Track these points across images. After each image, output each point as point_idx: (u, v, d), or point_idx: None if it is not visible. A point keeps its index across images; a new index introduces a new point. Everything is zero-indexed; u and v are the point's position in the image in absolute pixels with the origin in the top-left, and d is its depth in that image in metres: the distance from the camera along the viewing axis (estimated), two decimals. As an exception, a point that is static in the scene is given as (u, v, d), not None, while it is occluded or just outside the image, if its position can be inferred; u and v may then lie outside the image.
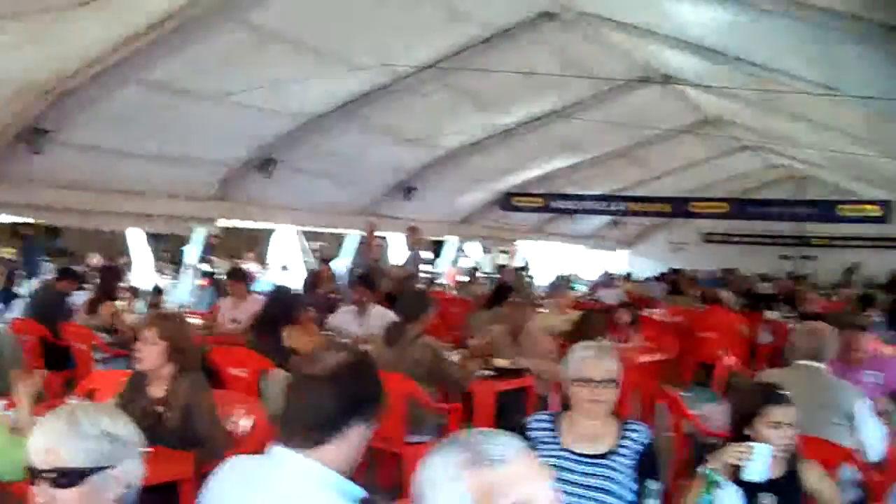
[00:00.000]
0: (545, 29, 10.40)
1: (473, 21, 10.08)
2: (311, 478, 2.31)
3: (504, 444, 1.80)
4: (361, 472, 2.59)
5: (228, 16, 8.15)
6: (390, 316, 7.87)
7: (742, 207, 19.29)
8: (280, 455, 2.38)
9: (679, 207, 19.30)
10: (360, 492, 2.31)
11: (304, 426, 2.39)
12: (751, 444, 3.64)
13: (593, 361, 3.81)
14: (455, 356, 7.29)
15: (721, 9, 8.22)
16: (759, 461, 3.60)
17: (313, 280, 12.04)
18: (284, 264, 18.22)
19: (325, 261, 16.45)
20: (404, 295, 7.90)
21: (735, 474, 3.63)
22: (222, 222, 12.99)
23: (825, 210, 18.21)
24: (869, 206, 17.29)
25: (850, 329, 6.38)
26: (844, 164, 16.74)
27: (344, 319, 9.29)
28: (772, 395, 3.85)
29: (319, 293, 11.44)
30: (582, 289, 18.76)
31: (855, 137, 12.60)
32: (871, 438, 5.07)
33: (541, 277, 20.16)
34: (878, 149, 12.81)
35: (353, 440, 2.44)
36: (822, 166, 18.80)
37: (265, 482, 2.37)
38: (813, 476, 3.82)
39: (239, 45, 8.75)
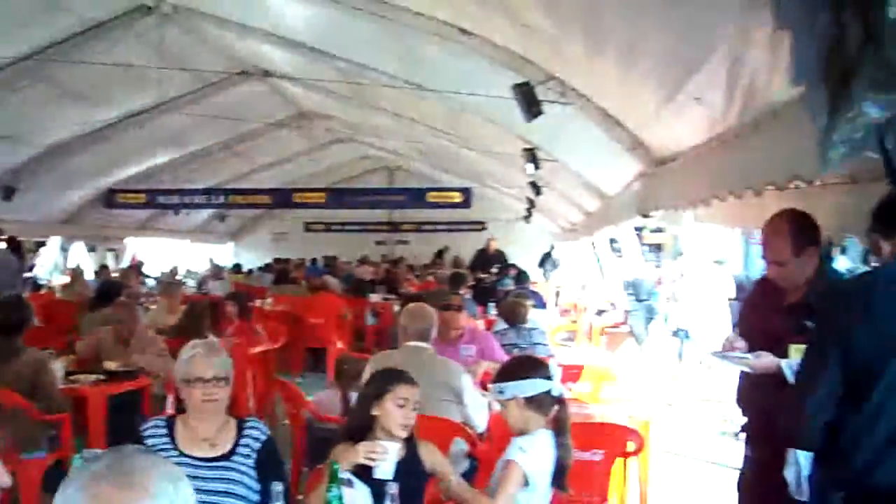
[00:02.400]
0: (143, 22, 10.06)
1: (71, 12, 9.52)
2: None
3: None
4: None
5: None
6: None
7: (339, 197, 20.07)
8: None
9: (281, 198, 19.66)
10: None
11: None
12: (383, 443, 3.66)
13: (203, 360, 3.70)
14: (59, 363, 6.80)
15: (315, 6, 8.45)
16: (389, 459, 3.62)
17: None
18: None
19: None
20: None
21: (363, 469, 3.61)
22: None
23: (415, 198, 19.48)
24: (453, 194, 18.78)
25: (446, 308, 6.80)
26: (430, 155, 17.96)
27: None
28: (401, 374, 3.91)
29: None
30: (191, 283, 18.44)
31: (438, 130, 13.49)
32: (476, 410, 5.44)
33: (152, 273, 19.59)
34: (458, 140, 13.82)
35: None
36: (411, 157, 19.98)
37: None
38: (430, 454, 3.88)
39: None
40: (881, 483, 2.63)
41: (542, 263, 20.80)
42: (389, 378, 3.89)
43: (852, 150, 2.89)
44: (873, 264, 3.34)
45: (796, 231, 3.77)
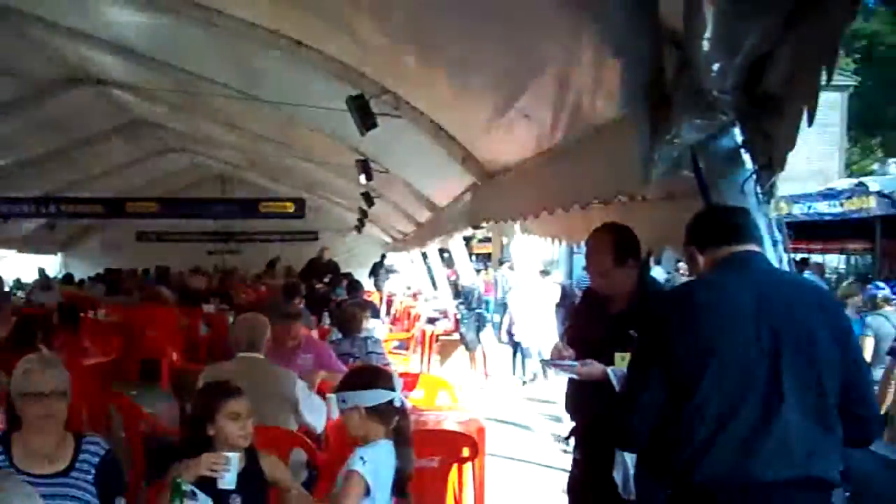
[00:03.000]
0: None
1: None
2: None
3: None
4: None
5: None
6: None
7: (172, 206, 19.60)
8: None
9: (112, 208, 18.90)
10: None
11: None
12: (226, 454, 3.63)
13: (40, 374, 3.57)
14: None
15: (147, 14, 8.20)
16: (233, 470, 3.61)
17: None
18: None
19: None
20: None
21: (206, 481, 3.59)
22: None
23: (248, 208, 19.23)
24: (286, 204, 18.63)
25: (284, 318, 6.75)
26: (264, 165, 17.73)
27: None
28: (227, 389, 3.87)
29: None
30: (21, 294, 17.57)
31: (272, 140, 13.36)
32: (312, 415, 5.45)
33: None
34: (292, 151, 13.72)
35: None
36: (245, 167, 19.67)
37: None
38: (270, 465, 3.88)
39: None
40: (700, 482, 2.78)
41: (373, 273, 20.88)
42: (216, 395, 3.85)
43: (670, 168, 3.08)
44: (683, 275, 3.54)
45: (618, 244, 3.94)
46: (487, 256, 28.89)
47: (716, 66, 2.06)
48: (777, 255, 3.31)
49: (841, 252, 19.81)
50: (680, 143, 2.82)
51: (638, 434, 2.94)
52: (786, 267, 3.42)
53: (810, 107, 2.12)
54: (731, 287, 2.88)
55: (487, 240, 27.23)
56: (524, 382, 13.11)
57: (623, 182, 3.72)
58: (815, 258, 19.56)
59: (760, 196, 3.15)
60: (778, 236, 3.32)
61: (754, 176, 3.09)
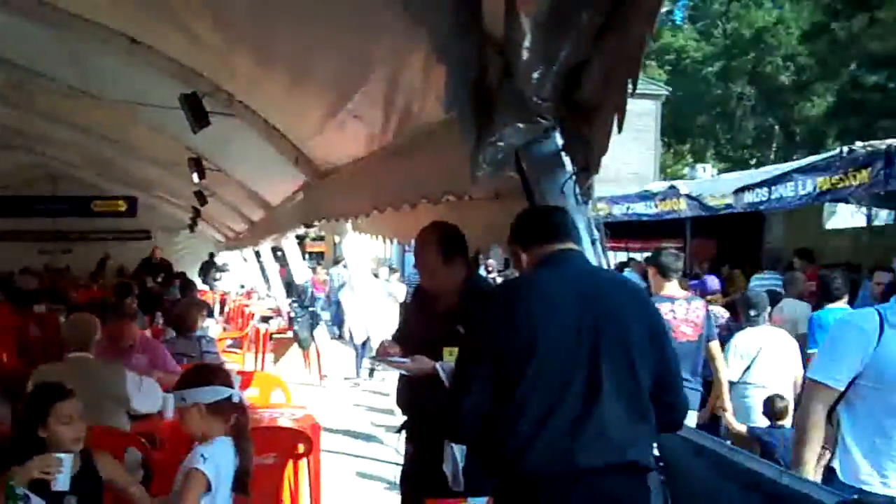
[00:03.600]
0: None
1: None
2: None
3: None
4: None
5: None
6: None
7: (1, 205, 18.49)
8: None
9: (-62, 207, 17.76)
10: None
11: None
12: (58, 456, 3.50)
13: None
14: None
15: (-26, 6, 7.74)
16: (66, 472, 3.49)
17: None
18: None
19: None
20: None
21: (39, 484, 3.45)
22: None
23: (80, 206, 18.40)
24: (118, 202, 17.95)
25: (116, 318, 6.55)
26: (97, 163, 17.02)
27: None
28: (58, 390, 3.73)
29: None
30: None
31: (105, 138, 12.84)
32: (146, 401, 5.46)
33: None
34: (125, 149, 13.24)
35: None
36: (77, 165, 18.82)
37: None
38: (105, 465, 3.79)
39: None
40: (526, 471, 2.84)
41: (202, 272, 20.44)
42: (47, 397, 3.71)
43: (496, 170, 3.14)
44: (513, 272, 3.62)
45: (445, 242, 3.97)
46: (321, 255, 28.76)
47: (535, 74, 2.11)
48: (596, 253, 3.43)
49: (657, 251, 20.60)
50: (504, 145, 2.88)
51: (467, 427, 2.98)
52: (604, 264, 3.55)
53: (620, 114, 2.21)
54: (552, 283, 2.96)
55: (321, 238, 27.08)
56: (359, 377, 13.12)
57: (450, 182, 3.77)
58: (635, 256, 20.44)
59: (579, 197, 3.25)
60: (596, 235, 3.44)
61: (573, 178, 3.19)
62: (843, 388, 3.79)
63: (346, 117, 5.49)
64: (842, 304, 7.09)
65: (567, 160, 3.21)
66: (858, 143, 9.66)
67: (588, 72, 2.04)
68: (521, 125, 2.61)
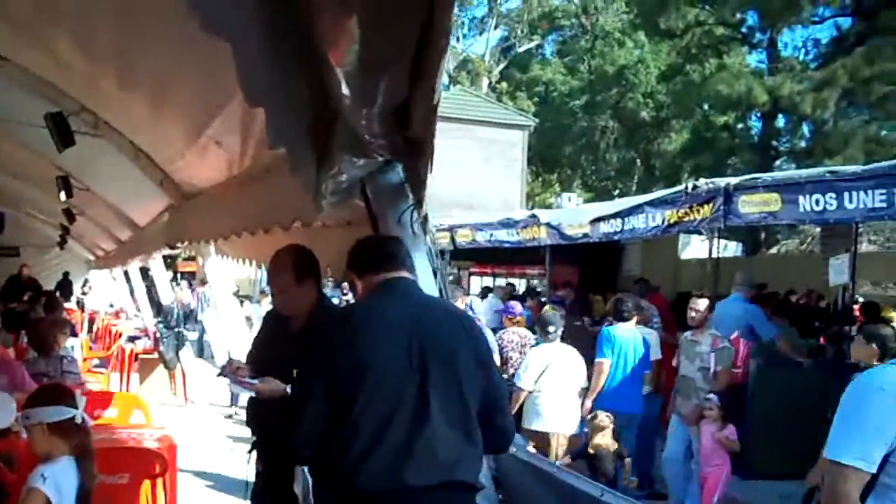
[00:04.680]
0: None
1: None
2: None
3: None
4: None
5: None
6: None
7: None
8: None
9: None
10: None
11: None
12: None
13: None
14: None
15: None
16: None
17: None
18: None
19: None
20: None
21: None
22: None
23: None
24: (-15, 218, 17.20)
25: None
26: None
27: None
28: None
29: None
30: None
31: None
32: None
33: None
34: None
35: None
36: None
37: None
38: None
39: None
40: (359, 489, 2.90)
41: (59, 291, 19.76)
42: None
43: (341, 199, 3.21)
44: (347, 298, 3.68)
45: (298, 264, 4.04)
46: (193, 275, 28.16)
47: (363, 114, 2.19)
48: (437, 282, 3.52)
49: (522, 276, 21.08)
50: (347, 176, 2.95)
51: (303, 447, 3.02)
52: (444, 291, 3.65)
53: (430, 155, 2.31)
54: (384, 310, 3.04)
55: (192, 258, 26.54)
56: (217, 397, 12.90)
57: (298, 210, 3.82)
58: (500, 281, 20.80)
59: (415, 227, 3.34)
60: (438, 264, 3.53)
61: (411, 209, 3.29)
62: (874, 470, 2.83)
63: (208, 142, 5.47)
64: (630, 324, 8.41)
65: (409, 191, 3.30)
66: (702, 180, 10.11)
67: (412, 110, 2.12)
68: (356, 160, 2.69)
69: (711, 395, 7.56)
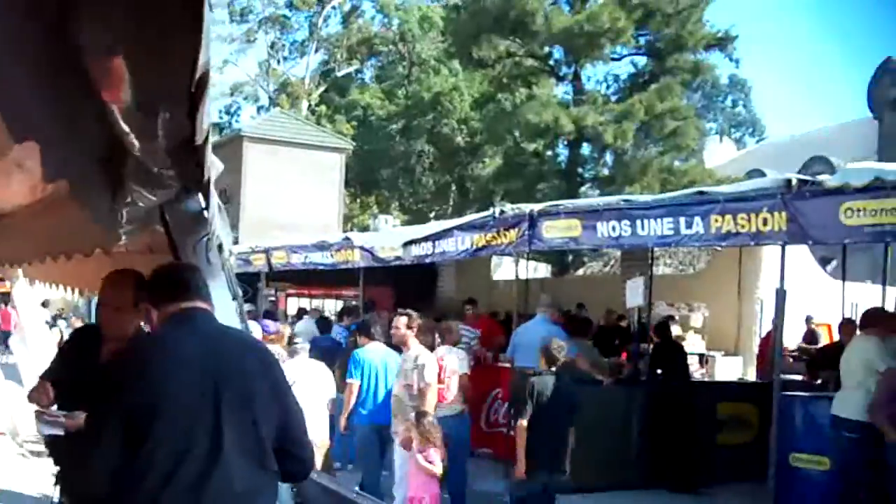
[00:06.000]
0: None
1: None
2: None
3: None
4: None
5: None
6: None
7: None
8: None
9: None
10: None
11: None
12: None
13: None
14: None
15: None
16: None
17: None
18: None
19: None
20: None
21: None
22: None
23: None
24: None
25: None
26: None
27: None
28: None
29: None
30: None
31: None
32: None
33: None
34: None
35: None
36: None
37: None
38: None
39: None
40: None
41: None
42: None
43: (138, 225, 3.12)
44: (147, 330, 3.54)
45: (137, 286, 3.83)
46: (7, 295, 26.48)
47: (149, 147, 2.14)
48: (236, 308, 3.46)
49: (338, 298, 21.03)
50: (143, 205, 2.87)
51: (97, 481, 2.90)
52: (244, 320, 3.59)
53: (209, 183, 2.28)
54: (177, 342, 2.98)
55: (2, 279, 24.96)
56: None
57: (97, 237, 3.68)
58: (317, 303, 20.67)
59: (210, 256, 3.28)
60: (238, 291, 3.48)
61: (207, 237, 3.23)
62: None
63: (10, 165, 5.18)
64: (378, 344, 8.85)
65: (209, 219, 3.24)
66: (508, 206, 10.44)
67: (193, 143, 2.09)
68: (149, 191, 2.63)
69: (411, 416, 7.82)
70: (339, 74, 48.53)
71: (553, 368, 7.69)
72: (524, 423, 7.38)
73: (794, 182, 7.27)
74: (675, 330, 13.60)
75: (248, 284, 14.27)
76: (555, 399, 7.44)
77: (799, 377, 12.01)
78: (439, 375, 8.42)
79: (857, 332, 8.31)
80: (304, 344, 8.79)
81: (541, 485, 7.55)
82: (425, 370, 8.10)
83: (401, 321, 8.43)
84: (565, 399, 7.55)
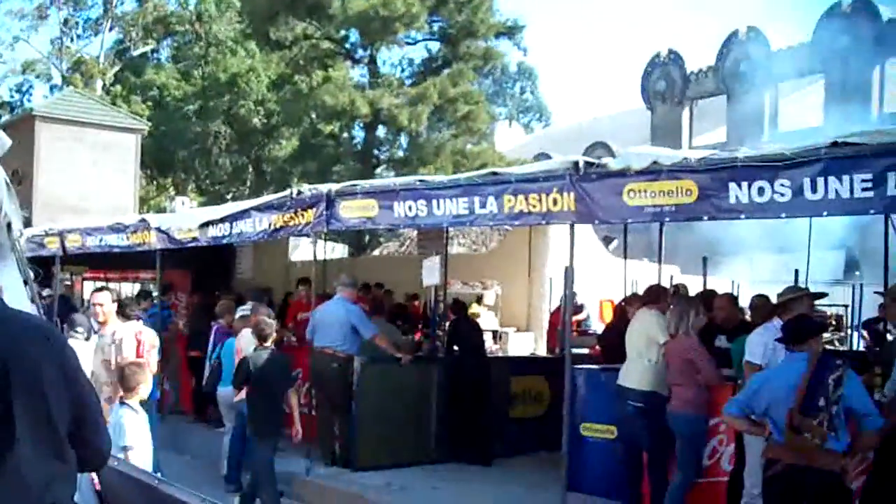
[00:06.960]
0: None
1: None
2: None
3: None
4: None
5: None
6: None
7: None
8: None
9: None
10: None
11: None
12: None
13: None
14: None
15: None
16: None
17: None
18: None
19: None
20: None
21: None
22: None
23: None
24: None
25: None
26: None
27: None
28: None
29: None
30: None
31: None
32: None
33: None
34: None
35: None
36: None
37: None
38: None
39: None
40: None
41: None
42: None
43: None
44: None
45: None
46: None
47: None
48: (29, 291, 3.18)
49: (135, 280, 20.17)
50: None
51: None
52: (35, 302, 3.31)
53: None
54: None
55: None
56: None
57: None
58: (113, 285, 19.57)
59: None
60: (29, 274, 3.22)
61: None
62: None
63: None
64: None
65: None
66: (306, 186, 10.19)
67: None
68: None
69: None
70: (135, 54, 46.14)
71: (266, 344, 8.34)
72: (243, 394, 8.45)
73: (580, 164, 7.43)
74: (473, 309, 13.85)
75: (43, 268, 13.29)
76: (268, 370, 8.17)
77: (586, 350, 12.50)
78: (137, 350, 8.17)
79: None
80: (85, 328, 8.41)
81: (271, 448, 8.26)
82: (123, 345, 7.95)
83: (101, 297, 8.29)
84: (277, 370, 8.31)
